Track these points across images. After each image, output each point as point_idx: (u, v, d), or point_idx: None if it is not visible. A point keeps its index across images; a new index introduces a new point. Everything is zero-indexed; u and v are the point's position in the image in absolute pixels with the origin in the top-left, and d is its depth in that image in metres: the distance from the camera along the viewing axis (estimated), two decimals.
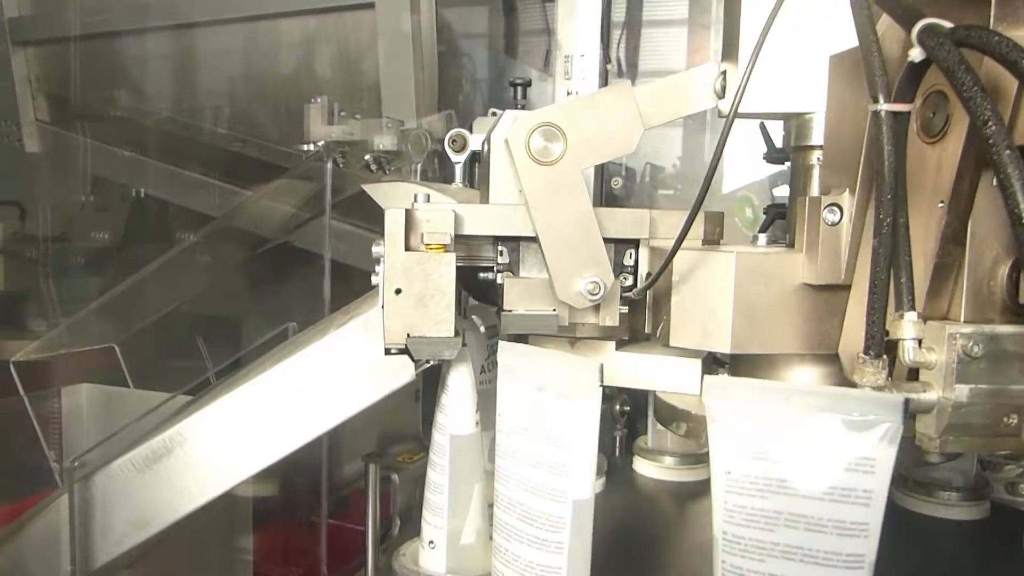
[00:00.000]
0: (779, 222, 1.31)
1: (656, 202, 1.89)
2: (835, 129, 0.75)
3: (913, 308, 0.55)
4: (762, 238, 0.88)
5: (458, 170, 1.22)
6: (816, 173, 0.87)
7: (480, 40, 2.18)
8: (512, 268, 0.82)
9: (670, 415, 0.87)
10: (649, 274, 0.85)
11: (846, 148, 0.72)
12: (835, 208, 0.72)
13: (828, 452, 0.54)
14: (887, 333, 0.60)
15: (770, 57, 0.82)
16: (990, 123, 0.47)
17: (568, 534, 0.65)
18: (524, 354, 0.71)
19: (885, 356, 0.55)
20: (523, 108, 1.34)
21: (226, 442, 0.73)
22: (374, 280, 0.77)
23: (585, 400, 0.64)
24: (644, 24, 2.34)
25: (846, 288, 0.75)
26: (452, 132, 1.23)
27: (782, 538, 0.55)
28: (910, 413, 0.54)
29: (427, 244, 0.74)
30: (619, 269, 0.83)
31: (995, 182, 0.50)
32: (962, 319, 0.58)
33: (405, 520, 1.13)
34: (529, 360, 0.70)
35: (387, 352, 0.74)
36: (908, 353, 0.55)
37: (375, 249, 0.80)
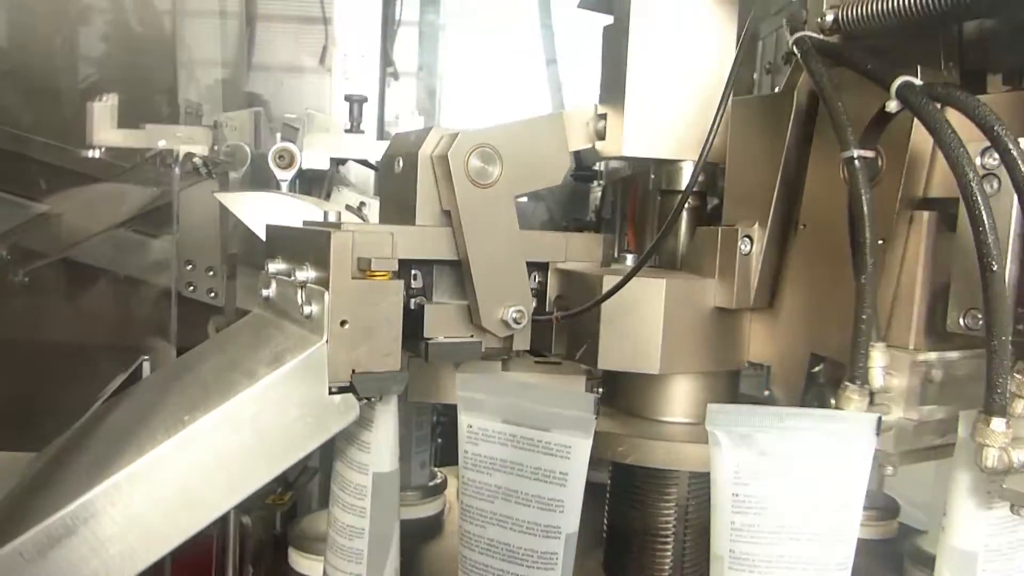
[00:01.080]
0: None
1: None
2: (740, 167, 0.82)
3: (880, 339, 0.63)
4: (629, 258, 0.94)
5: (284, 188, 1.13)
6: (684, 216, 0.94)
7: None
8: (426, 293, 0.78)
9: None
10: (559, 297, 0.86)
11: (754, 185, 0.80)
12: (747, 239, 0.79)
13: (820, 468, 0.60)
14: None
15: (649, 106, 0.88)
16: (969, 174, 0.55)
17: (560, 571, 0.64)
18: (491, 387, 0.68)
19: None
20: (359, 124, 1.27)
21: (146, 513, 0.59)
22: (307, 310, 0.68)
23: (580, 433, 0.64)
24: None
25: (748, 311, 0.83)
26: (278, 148, 1.13)
27: (787, 551, 0.60)
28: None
29: (372, 272, 0.68)
30: None
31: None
32: (911, 346, 0.66)
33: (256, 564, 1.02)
34: (500, 392, 0.67)
35: (330, 391, 0.67)
36: (878, 379, 0.62)
37: (299, 274, 0.71)
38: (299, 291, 0.70)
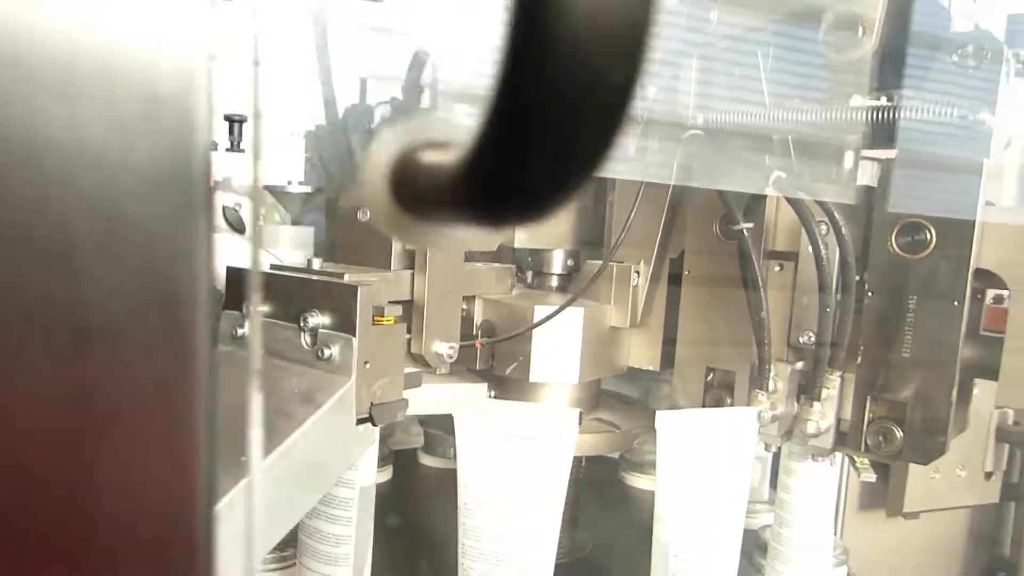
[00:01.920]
0: None
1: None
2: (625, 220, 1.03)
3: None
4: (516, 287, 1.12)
5: None
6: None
7: None
8: None
9: None
10: (485, 321, 1.02)
11: (640, 232, 1.02)
12: (636, 274, 1.02)
13: (523, 451, 0.84)
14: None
15: None
16: (820, 249, 0.83)
17: (355, 512, 0.84)
18: None
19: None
20: (239, 143, 1.27)
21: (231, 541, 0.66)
22: (327, 353, 0.78)
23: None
24: None
25: (631, 328, 1.06)
26: None
27: (498, 525, 0.84)
28: (762, 424, 0.88)
29: (383, 317, 0.79)
30: None
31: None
32: (786, 359, 0.92)
33: None
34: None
35: (357, 422, 0.77)
36: (771, 385, 0.89)
37: (311, 320, 0.80)
38: (304, 334, 0.79)
